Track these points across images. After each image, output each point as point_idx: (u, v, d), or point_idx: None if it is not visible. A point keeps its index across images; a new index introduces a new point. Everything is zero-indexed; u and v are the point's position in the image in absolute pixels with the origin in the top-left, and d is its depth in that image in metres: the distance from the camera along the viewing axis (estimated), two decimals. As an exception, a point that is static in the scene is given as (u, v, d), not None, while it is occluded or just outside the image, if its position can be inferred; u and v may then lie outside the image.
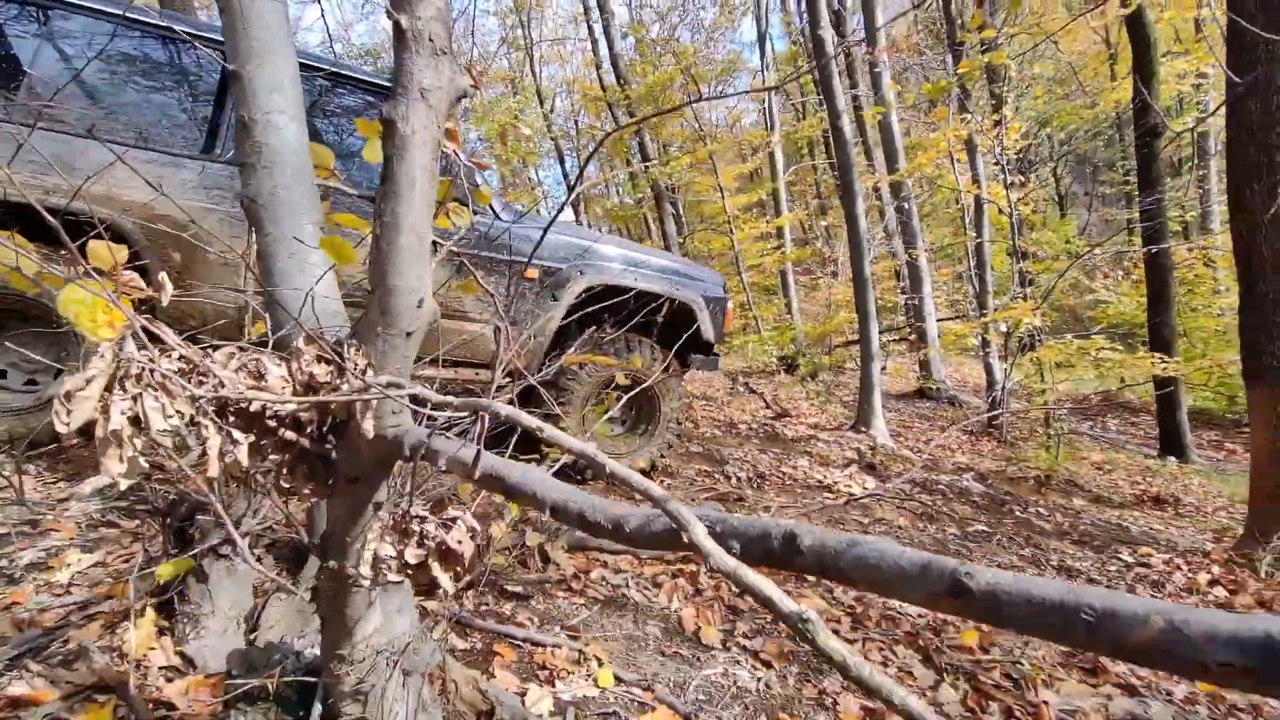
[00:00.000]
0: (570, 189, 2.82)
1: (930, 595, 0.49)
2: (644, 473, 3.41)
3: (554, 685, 1.46)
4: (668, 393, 3.47)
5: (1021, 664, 1.97)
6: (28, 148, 2.02)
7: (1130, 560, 3.41)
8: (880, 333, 12.34)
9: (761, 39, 12.18)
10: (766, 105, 12.21)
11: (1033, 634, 0.46)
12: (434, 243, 0.74)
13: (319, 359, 0.68)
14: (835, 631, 2.06)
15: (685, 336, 3.36)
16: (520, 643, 1.59)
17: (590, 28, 12.32)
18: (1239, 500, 6.65)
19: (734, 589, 2.21)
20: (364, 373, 0.67)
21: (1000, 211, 6.93)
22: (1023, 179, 13.47)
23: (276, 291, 1.30)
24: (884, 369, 11.99)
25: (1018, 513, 4.38)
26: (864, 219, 5.73)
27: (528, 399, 2.95)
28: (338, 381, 0.67)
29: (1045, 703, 1.75)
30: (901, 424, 8.22)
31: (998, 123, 7.30)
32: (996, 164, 6.85)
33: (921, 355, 10.06)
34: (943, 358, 10.55)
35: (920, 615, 2.29)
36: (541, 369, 2.93)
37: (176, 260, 2.37)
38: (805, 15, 5.62)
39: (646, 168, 9.82)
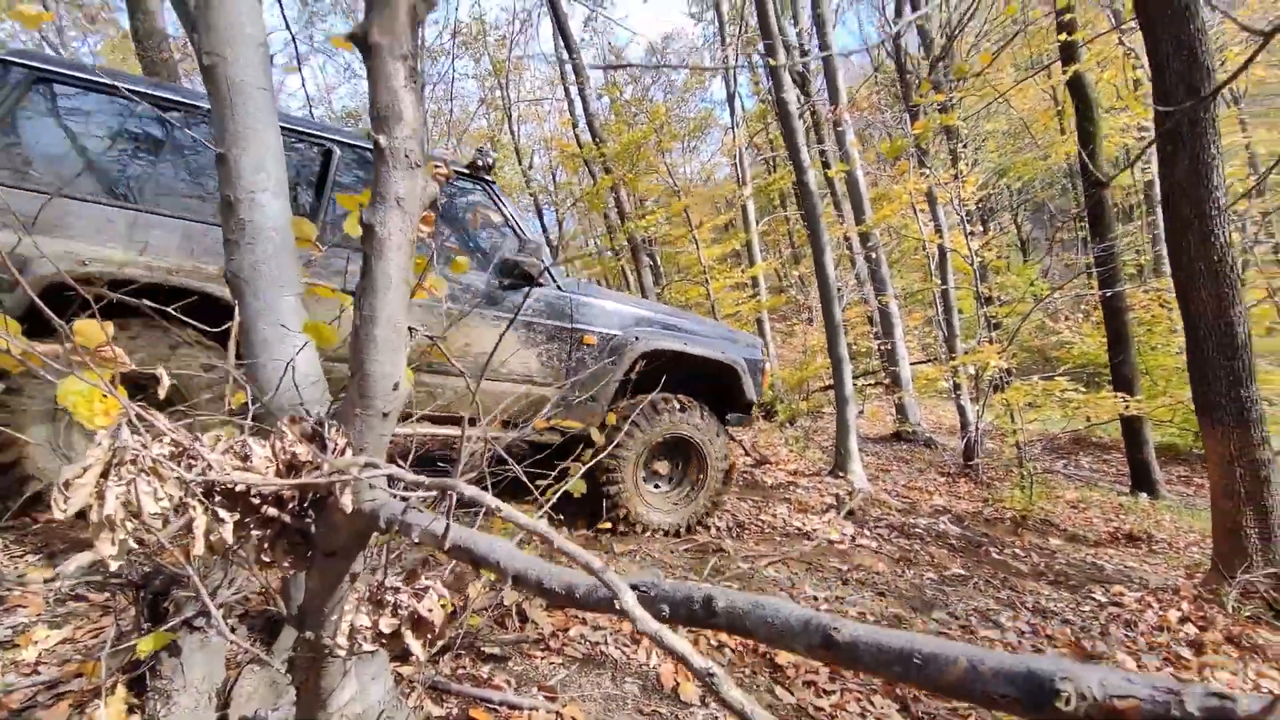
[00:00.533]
0: (554, 249, 2.98)
1: (809, 647, 0.55)
2: (699, 521, 3.65)
3: (531, 750, 1.46)
4: (713, 450, 3.61)
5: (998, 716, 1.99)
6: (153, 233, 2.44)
7: (1103, 600, 3.47)
8: (855, 377, 12.55)
9: (731, 98, 12.77)
10: (738, 160, 12.72)
11: (883, 676, 0.53)
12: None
13: (301, 438, 0.73)
14: (812, 683, 2.07)
15: (729, 396, 3.68)
16: (497, 706, 1.58)
17: (566, 89, 12.80)
18: (1209, 535, 6.79)
19: (713, 641, 2.22)
20: (343, 452, 0.72)
21: (963, 258, 7.22)
22: (983, 228, 14.06)
23: (257, 363, 1.35)
24: (860, 413, 12.16)
25: (994, 554, 4.43)
26: (833, 269, 5.94)
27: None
28: (319, 459, 0.72)
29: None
30: (880, 467, 8.30)
31: (955, 176, 7.69)
32: (957, 215, 7.18)
33: (896, 399, 10.24)
34: (917, 401, 10.74)
35: (898, 663, 2.31)
36: (604, 428, 3.16)
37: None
38: (770, 79, 5.96)
39: (623, 221, 10.09)
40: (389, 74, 0.68)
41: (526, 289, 3.07)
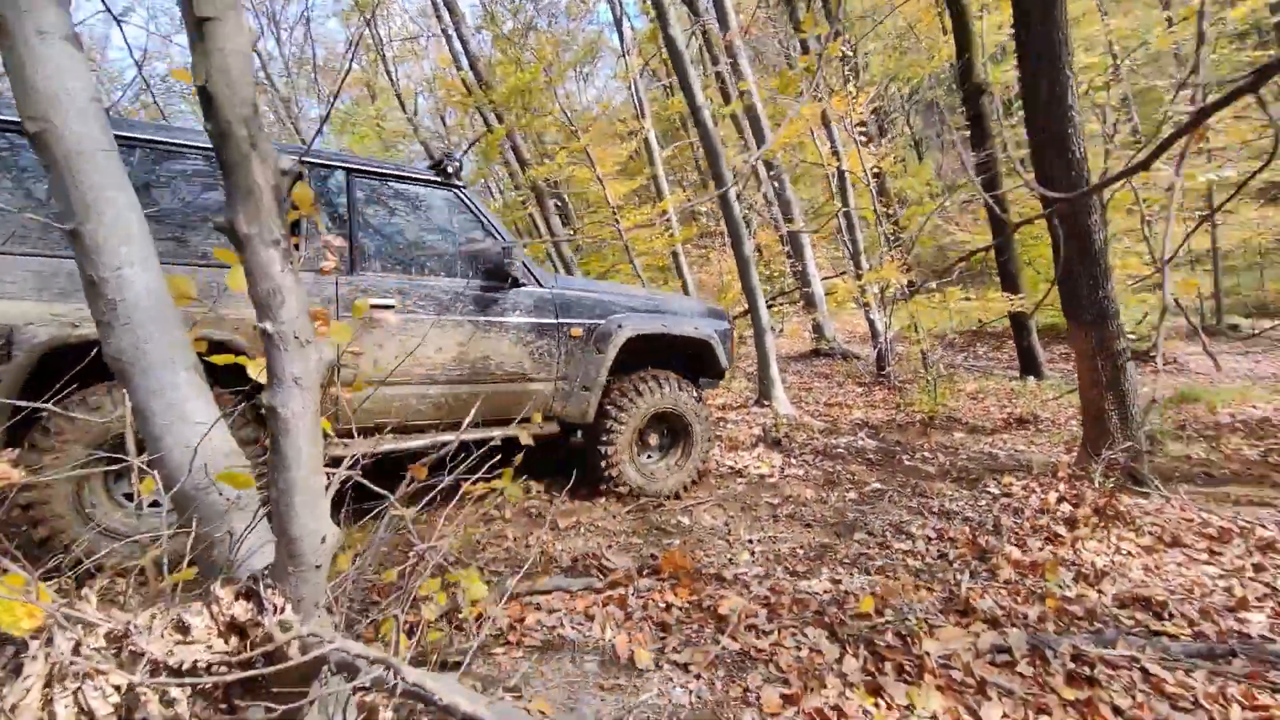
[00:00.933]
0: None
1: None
2: (687, 487, 3.93)
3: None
4: (698, 419, 3.91)
5: (909, 620, 2.30)
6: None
7: (996, 492, 3.94)
8: (773, 299, 12.94)
9: (618, 21, 12.23)
10: (633, 90, 12.35)
11: None
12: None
13: (237, 598, 0.76)
14: (753, 626, 2.31)
15: (703, 366, 4.04)
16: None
17: (443, 27, 11.89)
18: (1079, 408, 7.69)
19: (660, 602, 2.41)
20: (282, 610, 0.76)
21: (859, 178, 7.48)
22: (880, 134, 14.37)
23: (162, 446, 1.32)
24: (780, 332, 12.64)
25: (906, 461, 4.89)
26: (737, 205, 6.04)
27: (591, 438, 3.62)
28: (259, 618, 0.76)
29: (927, 653, 2.08)
30: (802, 386, 8.79)
31: (846, 98, 7.83)
32: (850, 136, 7.37)
33: (812, 318, 10.72)
34: (831, 316, 11.28)
35: (825, 592, 2.59)
36: (601, 419, 3.52)
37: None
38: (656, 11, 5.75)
39: (524, 169, 9.73)
40: (264, 262, 0.67)
41: (508, 289, 3.25)
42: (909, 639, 2.18)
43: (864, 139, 9.68)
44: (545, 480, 3.86)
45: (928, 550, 3.02)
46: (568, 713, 1.76)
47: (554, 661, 2.05)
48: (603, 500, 3.60)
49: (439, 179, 3.21)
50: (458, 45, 10.09)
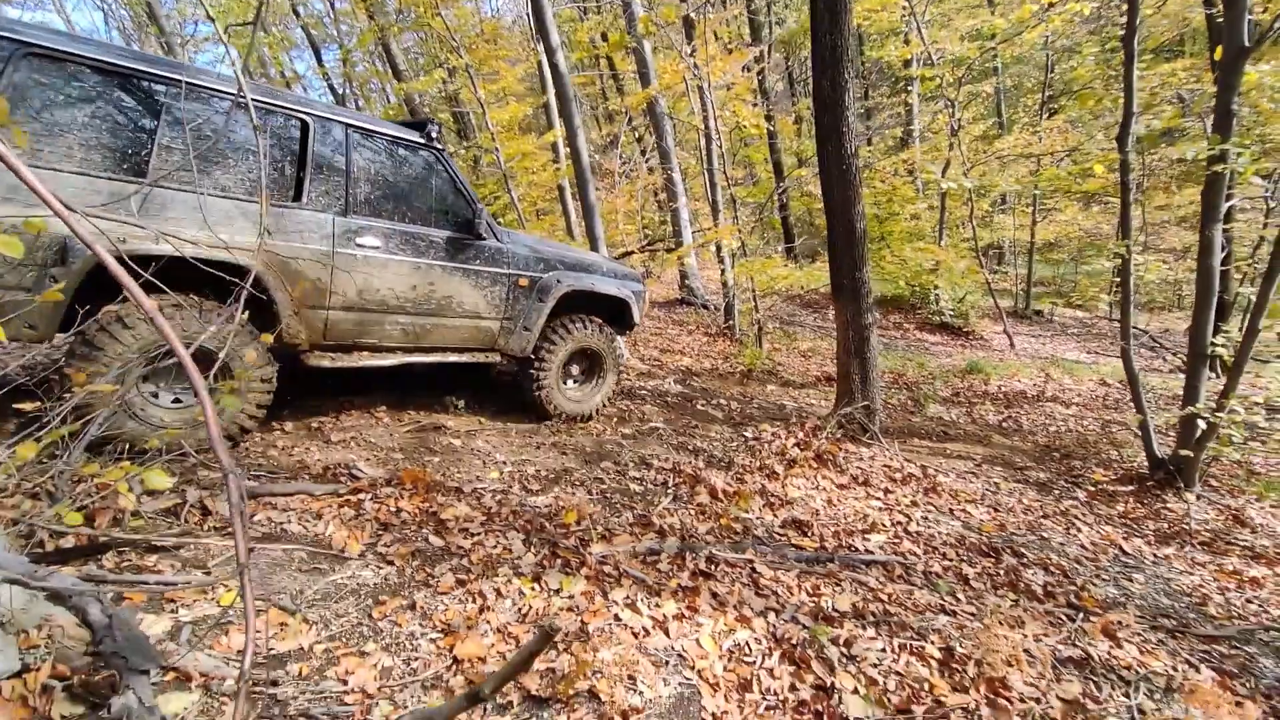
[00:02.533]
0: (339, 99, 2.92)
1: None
2: (598, 410, 4.70)
3: (175, 612, 1.89)
4: (611, 357, 4.66)
5: (595, 529, 2.80)
6: (178, 205, 2.82)
7: (750, 435, 4.60)
8: (652, 244, 13.28)
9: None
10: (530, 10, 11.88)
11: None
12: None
13: None
14: (466, 529, 2.72)
15: (619, 318, 4.73)
16: (153, 587, 1.97)
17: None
18: (888, 370, 8.76)
19: (392, 508, 2.75)
20: None
21: (702, 132, 7.85)
22: (764, 103, 14.73)
23: None
24: (648, 274, 13.04)
25: (699, 406, 5.51)
26: (586, 151, 6.22)
27: (525, 368, 4.28)
28: None
29: (590, 552, 2.57)
30: (653, 331, 9.30)
31: (725, 57, 8.07)
32: (707, 99, 7.64)
33: (679, 266, 11.21)
34: (696, 268, 11.83)
35: (546, 507, 3.05)
36: (536, 351, 4.22)
37: (290, 288, 3.15)
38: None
39: (397, 78, 9.27)
40: None
41: (472, 242, 3.82)
42: (585, 543, 2.67)
43: (748, 99, 10.03)
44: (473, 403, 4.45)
45: (655, 479, 3.56)
46: (257, 587, 2.08)
47: (264, 548, 2.34)
48: (385, 420, 3.87)
49: (422, 140, 3.68)
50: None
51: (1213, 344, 4.37)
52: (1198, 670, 2.37)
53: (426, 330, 3.73)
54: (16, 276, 2.50)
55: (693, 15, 7.47)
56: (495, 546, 2.60)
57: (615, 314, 4.72)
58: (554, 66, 5.72)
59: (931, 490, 4.06)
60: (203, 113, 2.92)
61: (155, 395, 2.90)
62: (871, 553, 2.99)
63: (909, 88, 12.79)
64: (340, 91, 17.23)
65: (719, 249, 9.12)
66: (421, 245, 3.61)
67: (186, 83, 2.84)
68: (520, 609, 2.20)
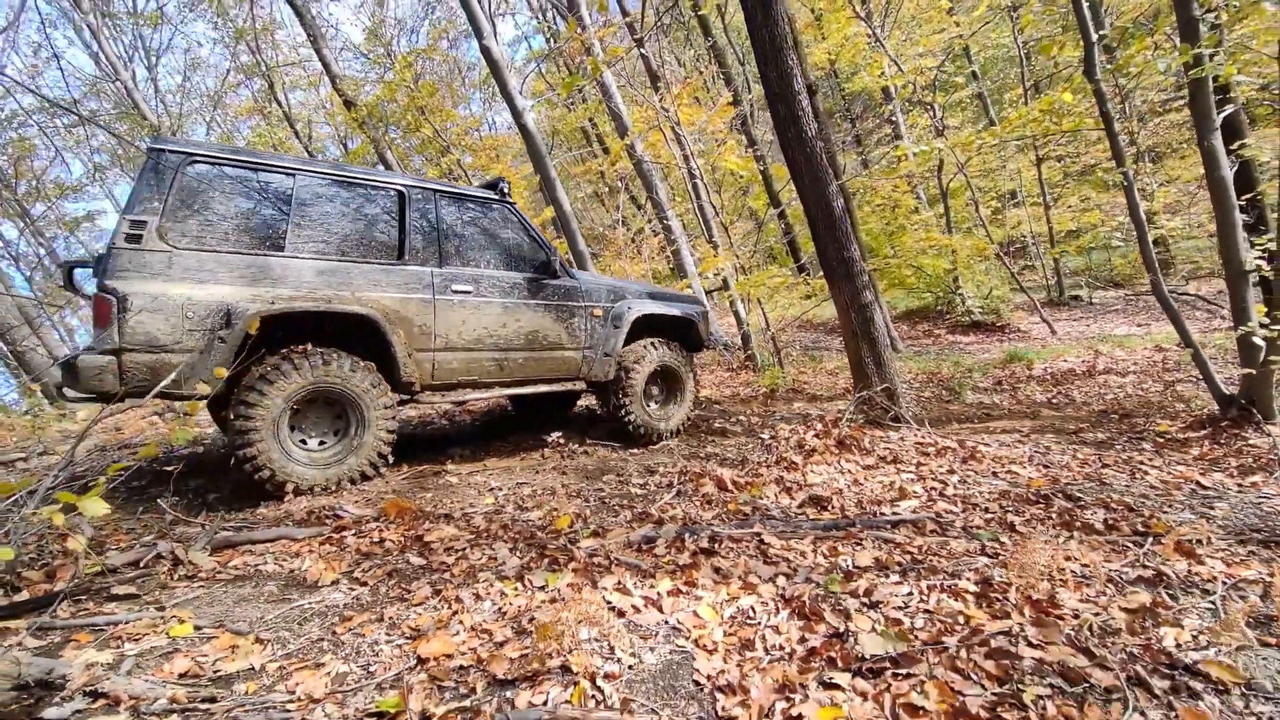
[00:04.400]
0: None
1: None
2: (677, 429, 4.90)
3: (121, 647, 1.76)
4: (688, 375, 4.97)
5: (589, 527, 2.59)
6: (307, 270, 3.36)
7: (767, 437, 4.34)
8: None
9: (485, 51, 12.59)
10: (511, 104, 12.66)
11: None
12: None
13: None
14: (452, 548, 2.55)
15: (688, 339, 5.14)
16: (103, 627, 1.86)
17: (317, 50, 11.91)
18: (920, 371, 8.36)
19: (375, 539, 2.62)
20: None
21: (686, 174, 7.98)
22: (744, 148, 15.11)
23: None
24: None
25: (716, 424, 5.28)
26: (568, 202, 6.36)
27: (609, 393, 4.58)
28: None
29: (579, 547, 2.37)
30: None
31: (704, 108, 8.34)
32: (679, 139, 7.85)
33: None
34: (714, 314, 11.77)
35: (541, 519, 2.86)
36: (616, 374, 4.54)
37: (401, 332, 3.59)
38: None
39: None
40: None
41: (550, 282, 4.27)
42: (575, 541, 2.47)
43: (736, 150, 10.30)
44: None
45: (660, 482, 3.34)
46: (217, 621, 1.94)
47: (234, 587, 2.22)
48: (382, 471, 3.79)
49: (496, 197, 4.19)
50: (317, 64, 10.15)
51: (1252, 261, 4.02)
52: (1302, 571, 1.98)
53: (518, 364, 4.11)
54: (192, 340, 2.99)
55: (653, 62, 7.81)
56: (480, 558, 2.42)
57: (683, 335, 5.07)
58: (523, 127, 5.97)
59: (970, 458, 3.70)
60: (324, 193, 3.51)
61: (304, 442, 3.37)
62: (900, 515, 2.69)
63: (890, 103, 12.98)
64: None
65: (726, 284, 9.09)
66: (506, 287, 4.05)
67: (302, 170, 3.46)
68: (500, 608, 2.00)
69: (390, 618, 1.96)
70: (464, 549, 2.50)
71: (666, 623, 1.86)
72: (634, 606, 1.94)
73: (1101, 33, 4.26)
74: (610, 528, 2.60)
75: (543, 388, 4.25)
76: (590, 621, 1.76)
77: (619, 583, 2.10)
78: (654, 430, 4.62)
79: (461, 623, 1.90)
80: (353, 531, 2.71)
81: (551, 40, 14.77)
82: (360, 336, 3.50)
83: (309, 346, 3.26)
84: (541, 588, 2.13)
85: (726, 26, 14.87)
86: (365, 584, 2.23)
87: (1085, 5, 4.16)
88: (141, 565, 2.31)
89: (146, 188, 2.99)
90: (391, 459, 3.56)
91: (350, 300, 3.38)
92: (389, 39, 12.29)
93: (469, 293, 3.86)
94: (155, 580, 2.22)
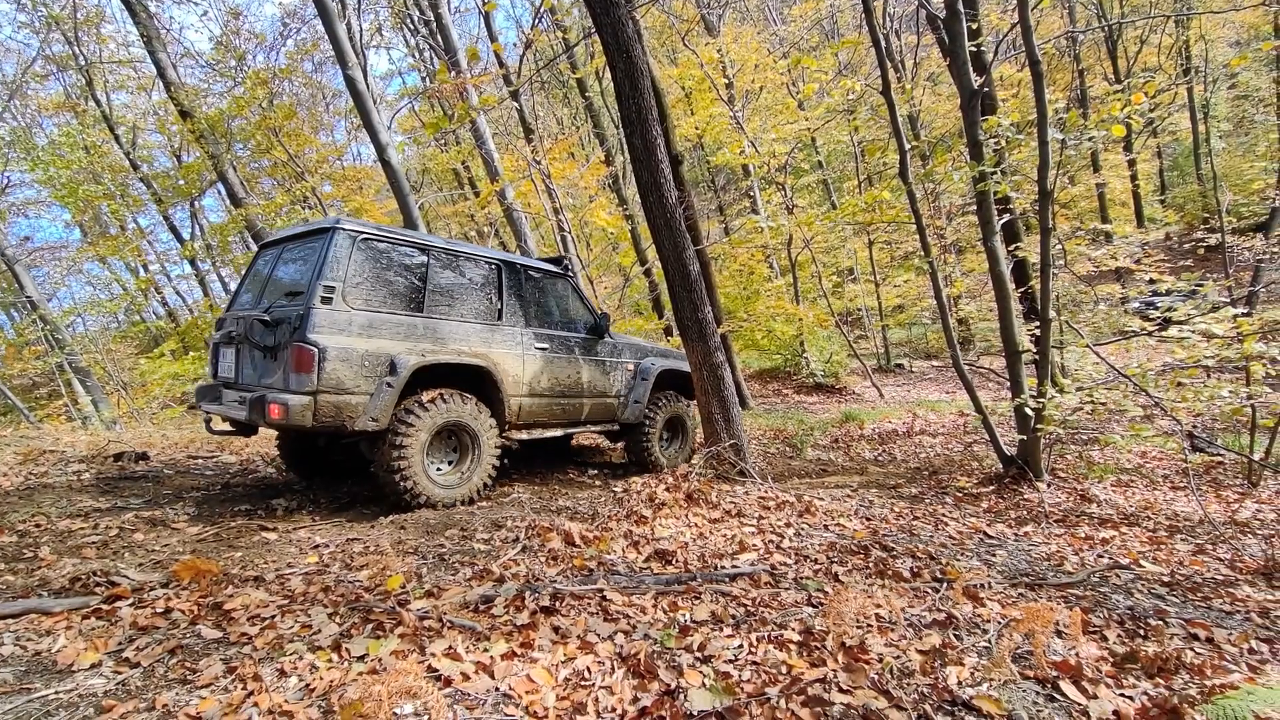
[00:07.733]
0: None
1: None
2: (687, 460, 5.71)
3: None
4: (689, 420, 5.95)
5: (422, 588, 2.41)
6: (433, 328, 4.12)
7: (619, 490, 4.37)
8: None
9: (349, 82, 12.15)
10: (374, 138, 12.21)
11: None
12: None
13: None
14: (257, 616, 2.24)
15: (687, 390, 5.81)
16: None
17: (151, 53, 10.75)
18: (769, 427, 8.94)
19: (159, 609, 2.24)
20: None
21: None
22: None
23: None
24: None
25: (571, 475, 5.22)
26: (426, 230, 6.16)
27: (636, 434, 5.51)
28: None
29: (408, 610, 2.19)
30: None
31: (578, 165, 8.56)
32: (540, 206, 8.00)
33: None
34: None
35: (370, 579, 2.62)
36: (642, 419, 5.48)
37: (508, 380, 4.43)
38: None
39: (236, 204, 8.99)
40: None
41: (599, 339, 5.26)
42: (405, 603, 2.28)
43: (591, 199, 10.63)
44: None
45: (506, 537, 3.22)
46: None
47: (-54, 677, 1.78)
48: (182, 526, 3.30)
49: (561, 271, 5.16)
50: (151, 67, 9.17)
51: (1025, 342, 4.81)
52: (1054, 610, 2.32)
53: (577, 408, 4.95)
54: (368, 384, 3.66)
55: (527, 115, 7.95)
56: (292, 626, 2.15)
57: (683, 386, 5.86)
58: (386, 163, 5.76)
59: (806, 512, 3.97)
60: (448, 264, 4.32)
61: (439, 469, 4.09)
62: (738, 567, 2.80)
63: (749, 178, 14.20)
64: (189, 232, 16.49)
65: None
66: (570, 344, 4.97)
67: (434, 246, 4.25)
68: (308, 684, 1.78)
69: (164, 705, 1.67)
70: (273, 616, 2.22)
71: (497, 689, 1.76)
72: (463, 674, 1.82)
73: (912, 144, 4.99)
74: (447, 586, 2.44)
75: (592, 428, 5.19)
76: (410, 694, 1.62)
77: (449, 647, 1.96)
78: (667, 467, 5.38)
79: (257, 705, 1.66)
80: (130, 601, 2.30)
81: (427, 80, 14.58)
82: (474, 383, 4.24)
83: (447, 390, 4.02)
84: (361, 657, 1.93)
85: (603, 90, 15.59)
86: (137, 665, 1.89)
87: (903, 118, 4.88)
88: None
89: (333, 259, 3.63)
90: (195, 512, 3.11)
91: (470, 354, 4.18)
92: (241, 52, 11.41)
93: (546, 349, 4.70)
94: None
